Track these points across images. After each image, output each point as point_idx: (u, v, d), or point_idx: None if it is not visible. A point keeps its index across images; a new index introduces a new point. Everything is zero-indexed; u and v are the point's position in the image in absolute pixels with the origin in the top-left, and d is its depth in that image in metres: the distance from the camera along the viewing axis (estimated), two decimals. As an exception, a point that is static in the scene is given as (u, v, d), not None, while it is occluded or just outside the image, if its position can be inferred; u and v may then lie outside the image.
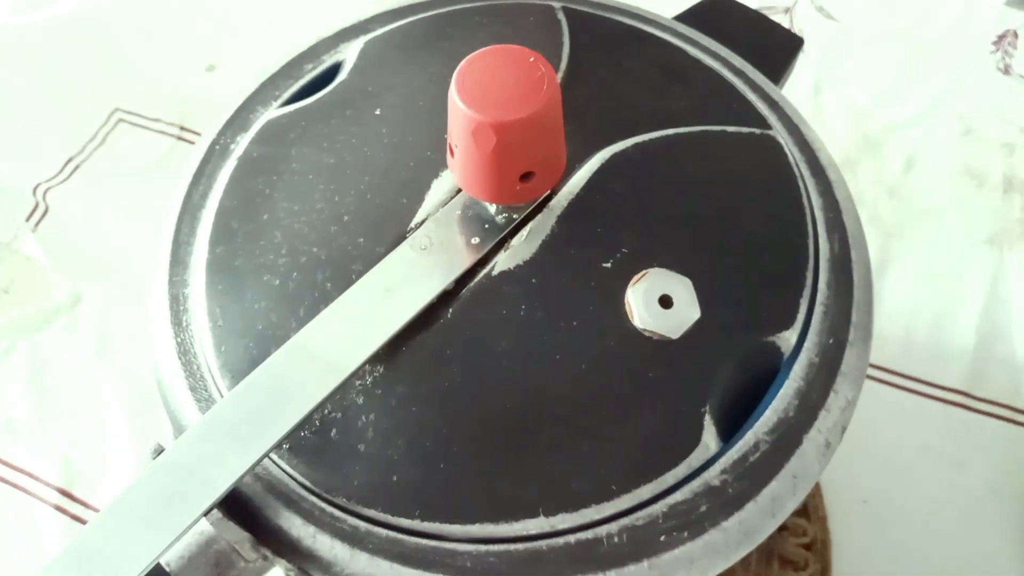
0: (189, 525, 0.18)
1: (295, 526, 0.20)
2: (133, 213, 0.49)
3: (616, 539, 0.19)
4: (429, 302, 0.21)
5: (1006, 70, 0.53)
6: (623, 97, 0.26)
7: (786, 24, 0.56)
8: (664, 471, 0.20)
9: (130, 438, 0.42)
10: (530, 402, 0.20)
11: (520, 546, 0.19)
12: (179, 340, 0.22)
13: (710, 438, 0.20)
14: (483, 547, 0.19)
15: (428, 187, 0.23)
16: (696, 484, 0.20)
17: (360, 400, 0.20)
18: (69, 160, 0.52)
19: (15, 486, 0.41)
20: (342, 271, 0.22)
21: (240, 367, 0.21)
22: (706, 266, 0.22)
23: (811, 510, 0.38)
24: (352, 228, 0.23)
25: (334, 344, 0.20)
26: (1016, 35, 0.54)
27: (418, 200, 0.23)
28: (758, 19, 0.33)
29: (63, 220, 0.50)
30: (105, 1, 0.61)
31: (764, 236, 0.23)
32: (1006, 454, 0.39)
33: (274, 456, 0.20)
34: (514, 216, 0.23)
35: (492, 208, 0.23)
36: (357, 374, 0.20)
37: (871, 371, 0.42)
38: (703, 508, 0.20)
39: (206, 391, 0.22)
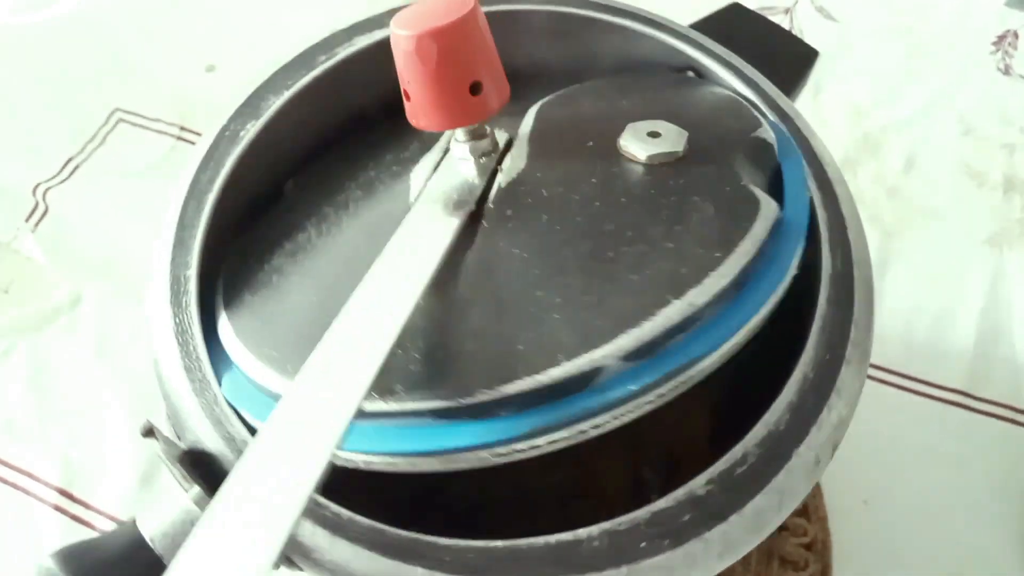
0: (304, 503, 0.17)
1: None
2: (133, 213, 0.49)
3: (596, 543, 0.19)
4: (463, 222, 0.22)
5: (1006, 70, 0.53)
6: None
7: (786, 24, 0.56)
8: (747, 229, 0.21)
9: (130, 438, 0.42)
10: (596, 240, 0.22)
11: (500, 543, 0.19)
12: (177, 320, 0.23)
13: (763, 196, 0.22)
14: (462, 542, 0.19)
15: (408, 180, 0.25)
16: (680, 493, 0.20)
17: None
18: (69, 160, 0.52)
19: (15, 486, 0.41)
20: (375, 229, 0.23)
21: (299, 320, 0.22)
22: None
23: (811, 510, 0.38)
24: (364, 217, 0.25)
25: (391, 284, 0.21)
26: (1016, 36, 0.54)
27: (407, 188, 0.25)
28: (774, 29, 0.34)
29: (63, 220, 0.50)
30: (105, 1, 0.61)
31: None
32: (1006, 454, 0.39)
33: None
34: (493, 155, 0.24)
35: (470, 159, 0.24)
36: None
37: (871, 371, 0.42)
38: (686, 517, 0.19)
39: (200, 372, 0.22)
